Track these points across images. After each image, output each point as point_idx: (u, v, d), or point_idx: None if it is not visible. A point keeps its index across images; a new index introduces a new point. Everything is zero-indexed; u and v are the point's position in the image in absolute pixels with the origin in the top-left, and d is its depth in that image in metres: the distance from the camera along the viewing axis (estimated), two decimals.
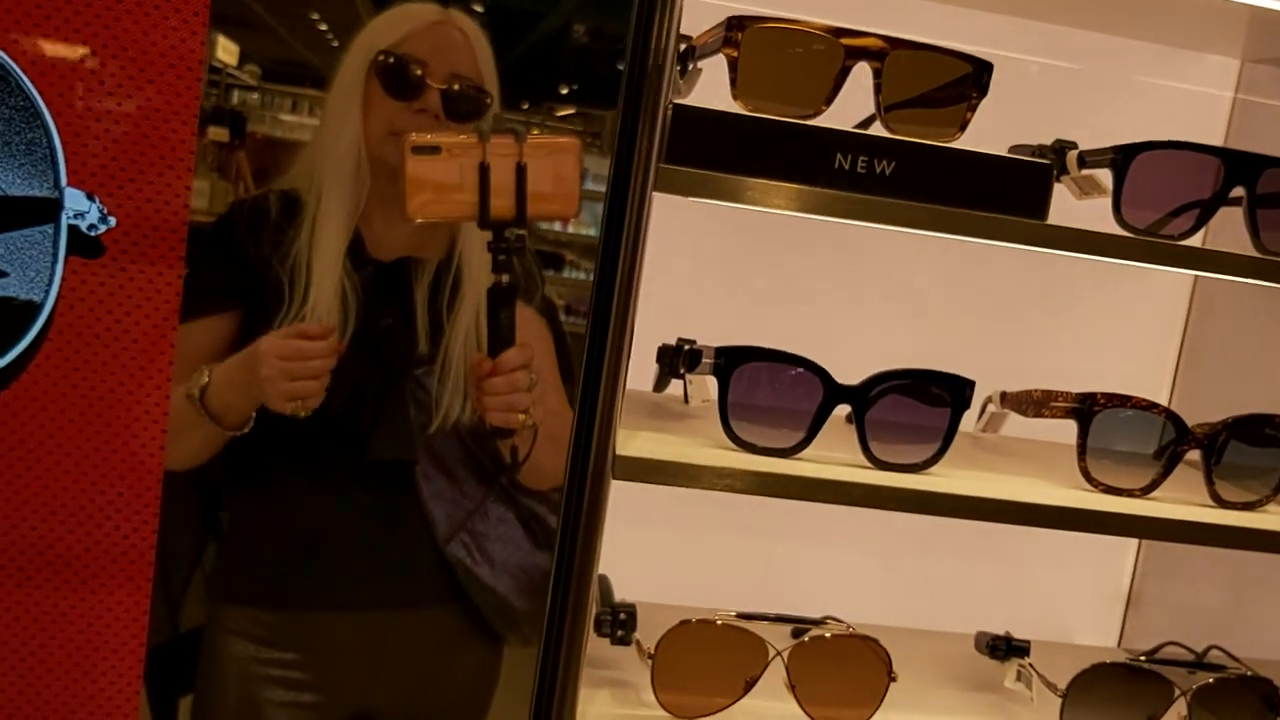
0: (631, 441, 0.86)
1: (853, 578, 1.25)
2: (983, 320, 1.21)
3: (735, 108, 0.84)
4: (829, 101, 0.85)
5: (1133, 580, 1.26)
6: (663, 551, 1.20)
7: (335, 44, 1.48)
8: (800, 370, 0.89)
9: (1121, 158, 0.90)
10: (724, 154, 0.82)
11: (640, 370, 0.97)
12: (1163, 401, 1.22)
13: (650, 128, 0.78)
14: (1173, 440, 0.94)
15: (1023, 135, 1.15)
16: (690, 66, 0.89)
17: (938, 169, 0.84)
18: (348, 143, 1.41)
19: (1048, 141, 1.00)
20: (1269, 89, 1.19)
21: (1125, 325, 1.23)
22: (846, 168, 0.83)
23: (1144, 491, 0.94)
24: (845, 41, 0.84)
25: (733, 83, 0.84)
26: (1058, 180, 0.96)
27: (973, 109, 0.87)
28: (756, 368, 0.88)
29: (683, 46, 0.88)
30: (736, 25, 0.83)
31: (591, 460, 0.80)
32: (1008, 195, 0.85)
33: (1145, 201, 0.91)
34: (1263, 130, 1.19)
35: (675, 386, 0.98)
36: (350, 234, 1.36)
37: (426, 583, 1.24)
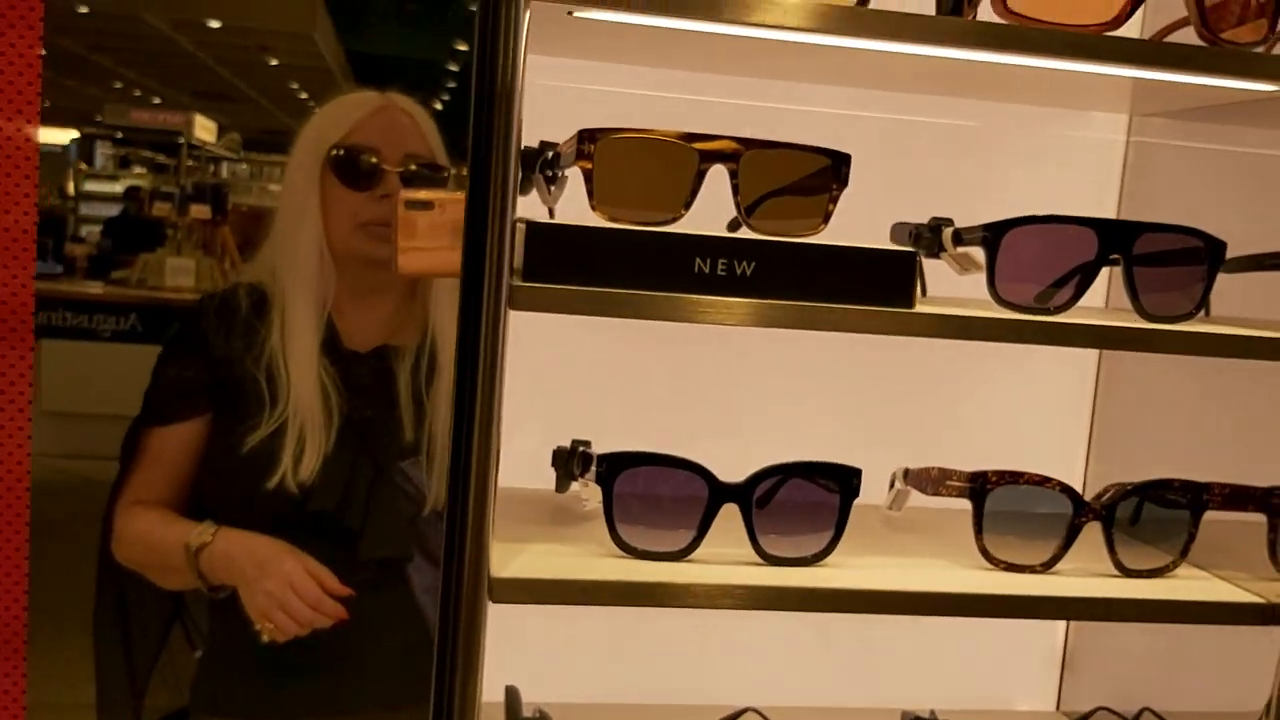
0: (517, 558, 0.86)
1: (786, 651, 1.24)
2: (888, 403, 1.20)
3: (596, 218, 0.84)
4: (688, 205, 0.85)
5: (1066, 640, 1.25)
6: (582, 637, 1.19)
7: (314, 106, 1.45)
8: (683, 472, 0.88)
9: (992, 235, 0.90)
10: (583, 266, 0.82)
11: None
12: (1079, 468, 1.22)
13: (499, 246, 0.78)
14: (1070, 512, 0.93)
15: (916, 197, 1.16)
16: (559, 174, 0.89)
17: (799, 265, 0.84)
18: (308, 240, 1.37)
19: (938, 208, 1.00)
20: (1163, 131, 1.19)
21: (1034, 396, 1.23)
22: (707, 271, 0.83)
23: (1045, 566, 0.93)
24: (698, 146, 0.84)
25: (589, 194, 0.84)
26: (936, 257, 0.96)
27: (834, 200, 0.87)
28: (637, 473, 0.88)
29: (550, 154, 0.89)
30: (588, 138, 0.83)
31: (465, 584, 0.79)
32: (874, 285, 0.85)
33: (1020, 276, 0.91)
34: (1159, 172, 1.19)
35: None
36: (322, 329, 1.37)
37: (418, 682, 1.24)
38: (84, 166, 12.56)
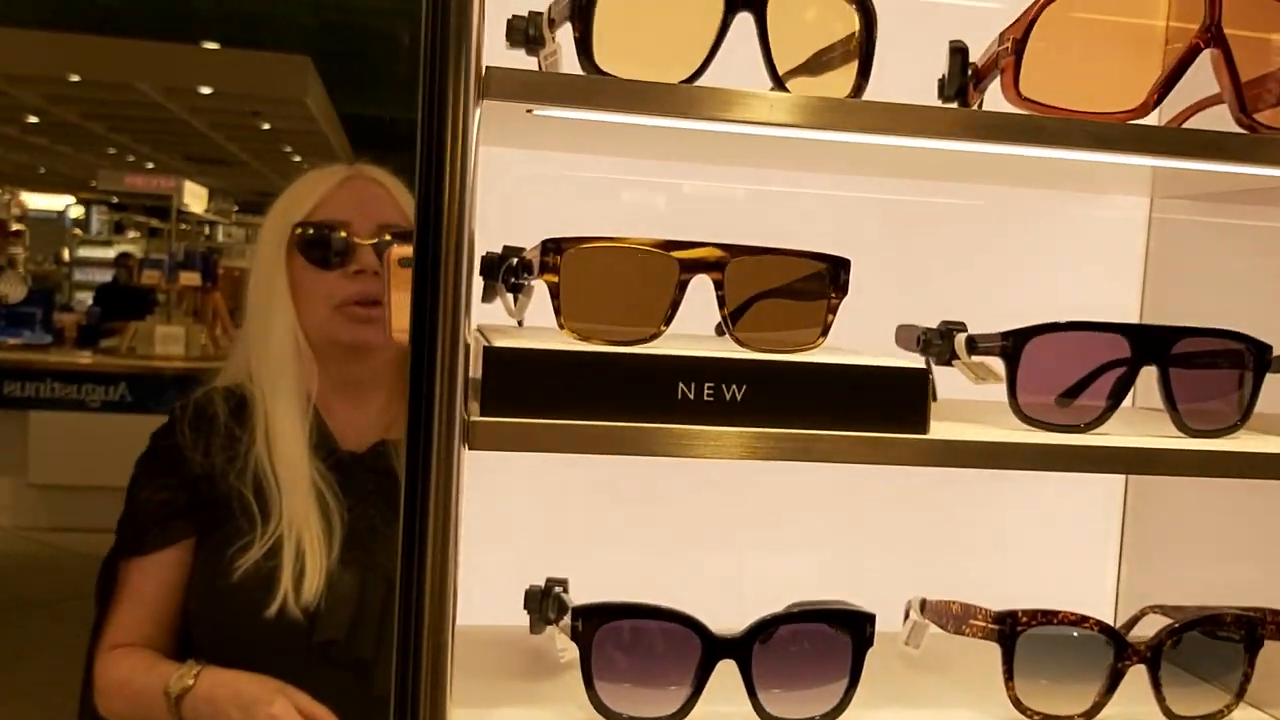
0: None
1: None
2: (898, 525, 1.10)
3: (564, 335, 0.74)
4: (668, 321, 0.75)
5: None
6: None
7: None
8: (671, 624, 0.78)
9: (1012, 344, 0.80)
10: (552, 394, 0.71)
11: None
12: (1109, 585, 1.11)
13: (449, 377, 0.68)
14: (1111, 657, 0.82)
15: (919, 284, 1.06)
16: (524, 284, 0.79)
17: (797, 386, 0.74)
18: (281, 332, 1.25)
19: (944, 297, 0.91)
20: (1190, 209, 1.10)
21: (1058, 505, 1.12)
22: (692, 396, 0.73)
23: (1087, 717, 0.82)
24: (678, 255, 0.74)
25: (556, 310, 0.74)
26: (949, 365, 0.86)
27: (833, 311, 0.77)
28: (619, 627, 0.77)
29: (513, 261, 0.79)
30: (553, 248, 0.73)
31: None
32: (882, 407, 0.75)
33: (1045, 389, 0.81)
34: (1186, 251, 1.09)
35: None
36: (308, 431, 1.23)
37: None
38: (79, 232, 12.54)
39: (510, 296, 0.81)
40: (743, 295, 0.76)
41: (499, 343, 0.72)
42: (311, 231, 1.28)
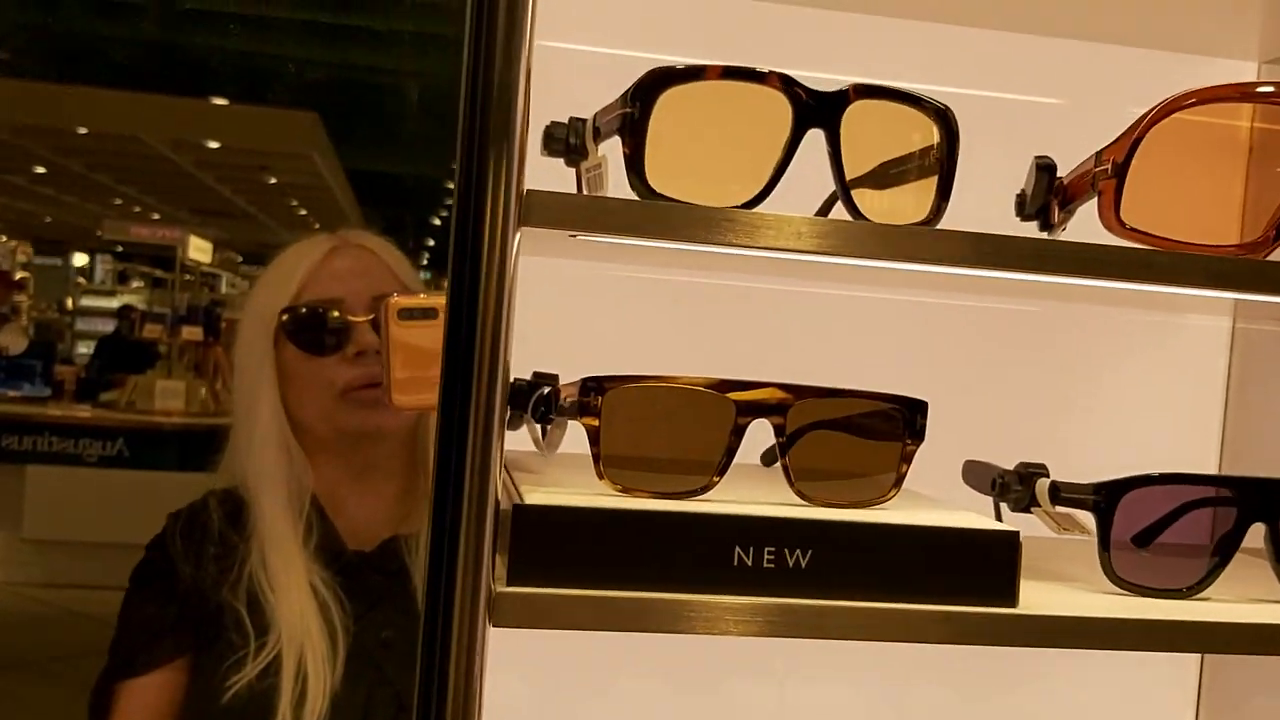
0: None
1: None
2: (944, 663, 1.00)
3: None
4: (723, 471, 0.66)
5: None
6: None
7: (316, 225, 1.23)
8: None
9: (1105, 498, 0.71)
10: (590, 558, 0.62)
11: None
12: None
13: (476, 538, 0.59)
14: None
15: (983, 398, 0.97)
16: (556, 418, 0.71)
17: (868, 552, 0.65)
18: (266, 431, 1.15)
19: (1013, 412, 0.82)
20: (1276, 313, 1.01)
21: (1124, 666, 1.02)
22: (749, 563, 0.63)
23: None
24: (735, 396, 0.65)
25: (595, 457, 0.65)
26: (1027, 511, 0.77)
27: (908, 460, 0.69)
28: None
29: (545, 390, 0.71)
30: (594, 387, 0.65)
31: None
32: (964, 575, 0.66)
33: (1140, 549, 0.72)
34: (1271, 363, 1.01)
35: None
36: (301, 536, 1.14)
37: None
38: (83, 281, 12.49)
39: (539, 428, 0.72)
40: (807, 442, 0.67)
41: (530, 496, 0.63)
42: (301, 315, 1.18)
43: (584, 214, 0.59)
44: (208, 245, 9.86)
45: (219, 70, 6.70)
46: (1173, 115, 0.67)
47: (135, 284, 12.16)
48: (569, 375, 0.81)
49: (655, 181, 0.64)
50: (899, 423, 0.68)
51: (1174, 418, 0.99)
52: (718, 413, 0.65)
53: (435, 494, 0.58)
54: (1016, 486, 0.76)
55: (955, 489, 0.80)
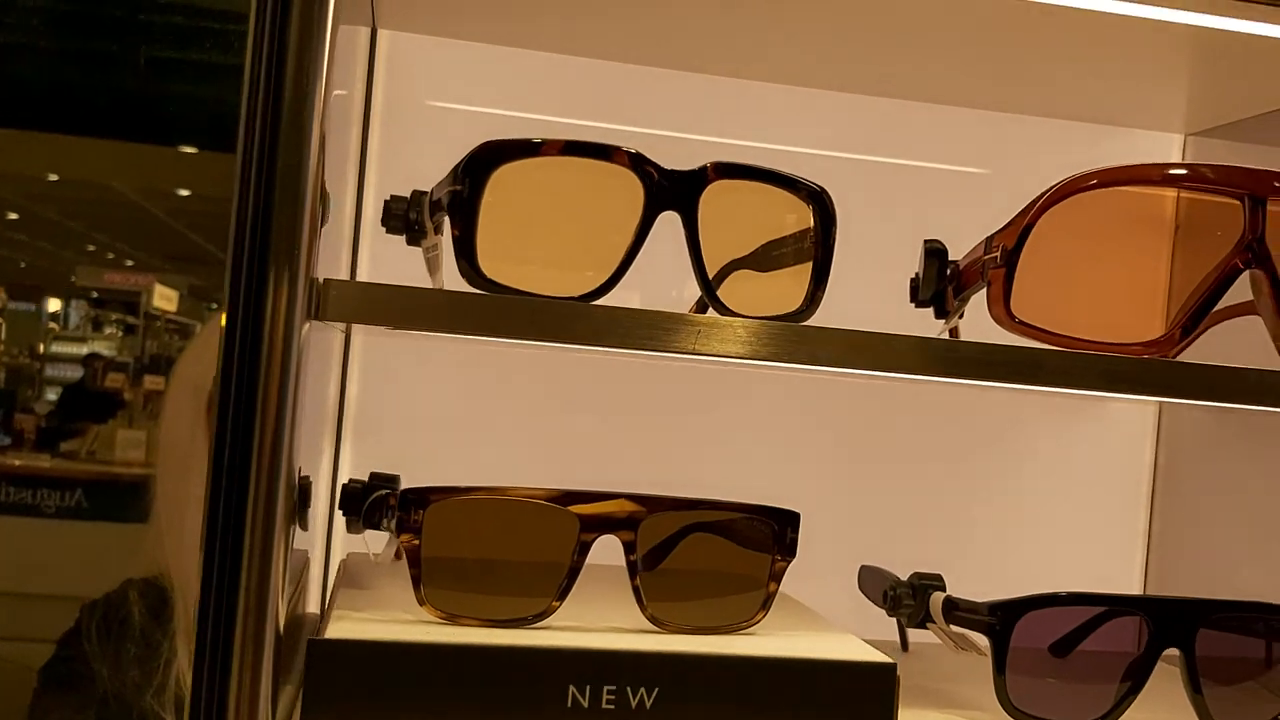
0: None
1: None
2: None
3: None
4: (563, 595, 0.59)
5: None
6: None
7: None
8: None
9: (1000, 620, 0.64)
10: (395, 697, 0.54)
11: None
12: None
13: (253, 673, 0.51)
14: None
15: (900, 480, 0.90)
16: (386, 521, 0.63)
17: (723, 687, 0.57)
18: (196, 523, 1.06)
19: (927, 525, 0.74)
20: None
21: None
22: (585, 704, 0.56)
23: None
24: (579, 510, 0.58)
25: (415, 582, 0.58)
26: (922, 627, 0.70)
27: (777, 578, 0.61)
28: None
29: (380, 494, 0.63)
30: (414, 500, 0.57)
31: None
32: (836, 711, 0.58)
33: (1039, 677, 0.65)
34: (1198, 456, 0.94)
35: None
36: None
37: None
38: (54, 327, 12.42)
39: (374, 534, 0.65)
40: (662, 560, 0.60)
41: (334, 626, 0.55)
42: None
43: (390, 306, 0.52)
44: (173, 294, 9.80)
45: (189, 117, 6.65)
46: (1070, 198, 0.61)
47: (108, 331, 12.05)
48: (425, 466, 0.74)
49: (489, 268, 0.57)
50: (768, 537, 0.61)
51: (1096, 510, 0.92)
52: (559, 529, 0.58)
53: (200, 619, 0.50)
54: (909, 600, 0.69)
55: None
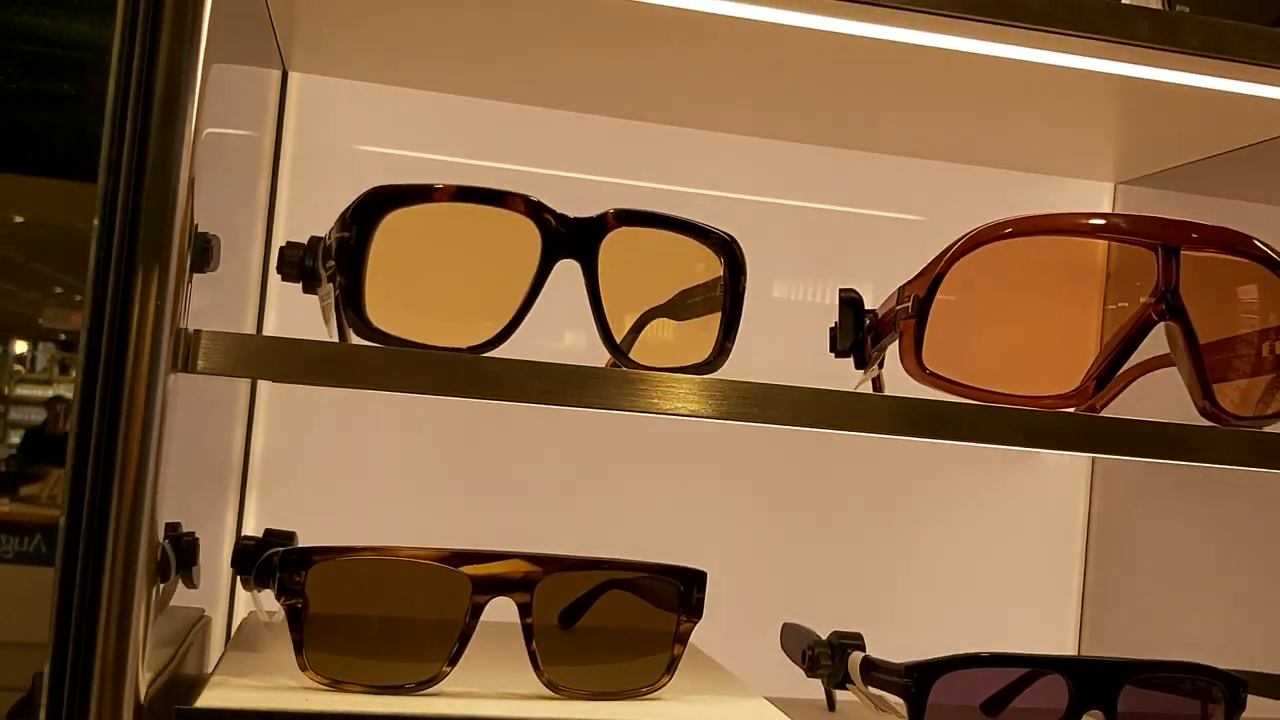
0: None
1: None
2: None
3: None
4: (454, 660, 0.56)
5: None
6: None
7: None
8: None
9: (916, 682, 0.62)
10: None
11: None
12: None
13: None
14: None
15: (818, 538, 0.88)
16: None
17: None
18: None
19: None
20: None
21: None
22: None
23: None
24: (471, 570, 0.56)
25: (296, 646, 0.55)
26: (842, 688, 0.67)
27: (682, 640, 0.59)
28: None
29: (272, 553, 0.60)
30: (297, 562, 0.55)
31: None
32: None
33: None
34: (1131, 511, 0.92)
35: None
36: None
37: None
38: (20, 369, 12.28)
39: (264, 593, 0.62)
40: (559, 623, 0.57)
41: (208, 694, 0.52)
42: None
43: (268, 359, 0.50)
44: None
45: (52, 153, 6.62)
46: (984, 248, 0.59)
47: (74, 374, 11.92)
48: (333, 521, 0.72)
49: (377, 317, 0.55)
50: (673, 597, 0.59)
51: (1030, 562, 0.90)
52: (449, 590, 0.55)
53: (53, 685, 0.47)
54: (828, 660, 0.67)
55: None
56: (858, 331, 0.65)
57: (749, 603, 0.79)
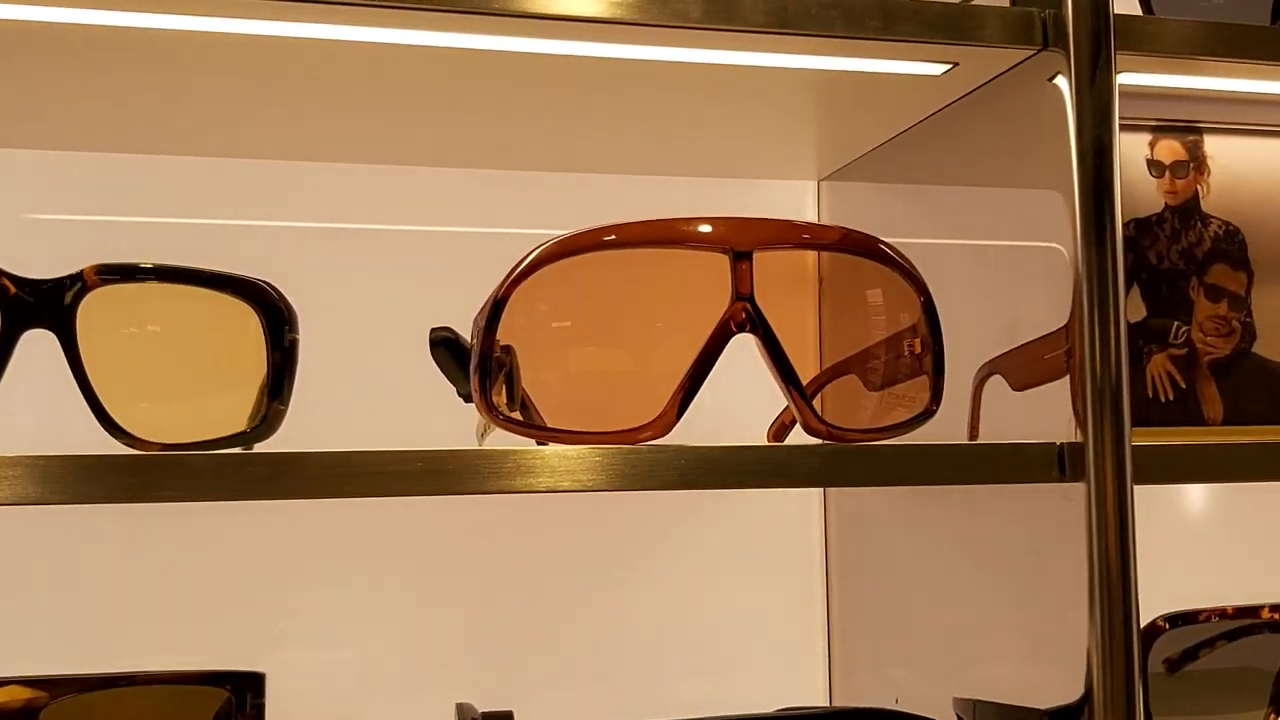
0: None
1: None
2: None
3: None
4: None
5: None
6: None
7: None
8: None
9: None
10: None
11: None
12: None
13: None
14: None
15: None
16: None
17: None
18: None
19: None
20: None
21: None
22: None
23: None
24: None
25: None
26: None
27: None
28: None
29: None
30: None
31: None
32: None
33: None
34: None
35: None
36: None
37: None
38: None
39: None
40: None
41: None
42: None
43: None
44: None
45: None
46: (546, 267, 0.52)
47: None
48: None
49: None
50: (224, 707, 0.50)
51: (771, 602, 0.83)
52: None
53: None
54: None
55: None
56: (466, 369, 0.58)
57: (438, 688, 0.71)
